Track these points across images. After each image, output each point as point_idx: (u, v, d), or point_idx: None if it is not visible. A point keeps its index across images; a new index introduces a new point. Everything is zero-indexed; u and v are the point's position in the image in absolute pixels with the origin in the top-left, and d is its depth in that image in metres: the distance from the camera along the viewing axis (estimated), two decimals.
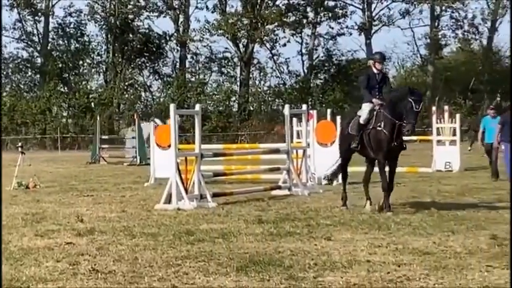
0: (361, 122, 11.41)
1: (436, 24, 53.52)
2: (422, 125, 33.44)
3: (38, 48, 53.59)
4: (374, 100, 11.35)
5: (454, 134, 20.69)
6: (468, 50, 54.16)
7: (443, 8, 52.29)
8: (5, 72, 51.39)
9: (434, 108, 23.34)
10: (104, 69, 55.32)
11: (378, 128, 11.19)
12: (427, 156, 22.41)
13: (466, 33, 53.73)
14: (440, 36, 53.73)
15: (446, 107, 23.34)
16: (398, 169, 12.07)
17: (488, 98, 49.66)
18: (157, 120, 31.75)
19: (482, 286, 6.05)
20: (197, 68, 56.03)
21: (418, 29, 54.72)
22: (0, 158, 18.92)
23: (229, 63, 55.78)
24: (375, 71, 11.64)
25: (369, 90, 11.53)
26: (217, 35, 53.63)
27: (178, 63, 55.30)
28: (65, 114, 52.77)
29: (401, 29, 54.51)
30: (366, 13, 54.69)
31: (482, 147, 18.26)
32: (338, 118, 17.29)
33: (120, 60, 53.59)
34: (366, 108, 11.44)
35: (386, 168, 11.25)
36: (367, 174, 12.01)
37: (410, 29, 54.51)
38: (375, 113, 11.31)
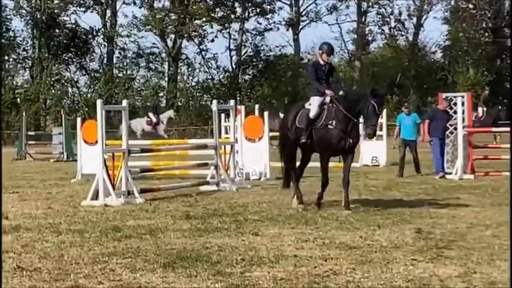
0: (311, 116, 10.86)
1: (363, 20, 54.93)
2: None
3: None
4: (327, 91, 10.85)
5: (381, 129, 21.00)
6: (394, 45, 55.65)
7: (370, 3, 53.68)
8: None
9: None
10: (30, 64, 54.30)
11: (330, 127, 10.72)
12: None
13: (392, 29, 55.30)
14: (367, 32, 55.23)
15: None
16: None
17: (414, 93, 51.42)
18: (151, 115, 31.62)
19: (407, 279, 6.19)
20: (125, 64, 55.78)
21: (345, 24, 55.99)
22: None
23: (157, 59, 55.85)
24: (322, 62, 11.19)
25: (318, 81, 11.10)
26: (145, 31, 53.64)
27: (105, 59, 54.85)
28: None
29: (329, 25, 55.59)
30: (294, 9, 55.78)
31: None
32: (265, 113, 17.58)
33: (46, 55, 52.63)
34: (315, 101, 10.90)
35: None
36: (300, 169, 11.78)
37: (337, 24, 55.57)
38: (325, 107, 10.83)
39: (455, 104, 17.03)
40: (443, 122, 16.79)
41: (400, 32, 55.49)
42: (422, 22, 54.58)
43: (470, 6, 49.37)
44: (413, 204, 11.49)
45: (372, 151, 21.21)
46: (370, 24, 55.65)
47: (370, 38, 56.21)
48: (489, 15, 49.62)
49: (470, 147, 16.95)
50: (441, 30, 54.21)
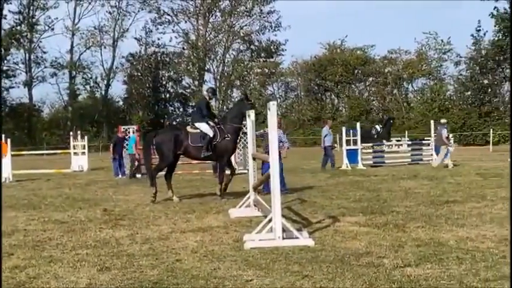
0: (211, 135, 14.21)
1: (73, 81, 71.40)
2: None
3: None
4: (210, 122, 14.37)
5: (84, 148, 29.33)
6: (93, 97, 73.43)
7: (78, 71, 70.48)
8: None
9: (71, 132, 32.39)
10: None
11: (227, 139, 14.29)
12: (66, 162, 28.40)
13: (91, 87, 72.68)
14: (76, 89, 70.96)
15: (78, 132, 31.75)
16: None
17: (106, 127, 66.78)
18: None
19: (95, 240, 9.13)
20: None
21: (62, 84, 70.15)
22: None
23: None
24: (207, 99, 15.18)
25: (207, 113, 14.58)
26: None
27: None
28: None
29: (51, 84, 67.50)
30: (28, 74, 68.54)
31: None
32: None
33: None
34: (205, 126, 14.29)
35: None
36: (171, 174, 14.89)
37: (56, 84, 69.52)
38: (216, 128, 14.34)
39: (128, 131, 25.03)
40: (121, 145, 23.87)
41: (97, 89, 72.81)
42: (110, 83, 72.04)
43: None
44: (104, 191, 15.73)
45: (79, 161, 28.66)
46: (78, 84, 71.20)
47: (77, 92, 71.80)
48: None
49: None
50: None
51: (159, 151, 14.50)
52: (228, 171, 14.98)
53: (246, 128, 13.69)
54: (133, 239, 9.18)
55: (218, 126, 14.46)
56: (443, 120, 26.04)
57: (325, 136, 24.59)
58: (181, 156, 14.98)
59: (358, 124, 26.71)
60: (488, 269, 6.59)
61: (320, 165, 24.41)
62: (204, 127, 14.34)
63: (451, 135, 29.30)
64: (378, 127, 38.03)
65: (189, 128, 14.61)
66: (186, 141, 14.35)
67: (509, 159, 25.59)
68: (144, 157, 15.21)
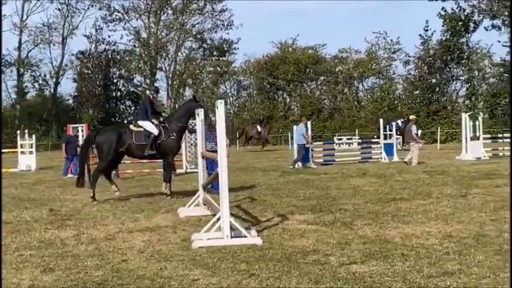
0: (156, 134, 14.06)
1: (21, 79, 67.76)
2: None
3: None
4: (154, 120, 14.24)
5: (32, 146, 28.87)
6: (43, 95, 70.30)
7: (26, 68, 66.83)
8: None
9: (18, 131, 31.10)
10: None
11: (172, 137, 14.18)
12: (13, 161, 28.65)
13: (40, 85, 69.69)
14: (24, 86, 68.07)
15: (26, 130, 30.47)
16: None
17: (55, 125, 64.10)
18: None
19: (39, 241, 8.96)
20: None
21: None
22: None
23: None
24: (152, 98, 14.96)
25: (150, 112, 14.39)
26: None
27: None
28: None
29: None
30: None
31: None
32: None
33: None
34: (149, 124, 14.19)
35: None
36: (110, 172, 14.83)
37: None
38: (161, 126, 14.18)
39: (79, 130, 25.87)
40: (74, 143, 23.47)
41: (46, 87, 70.02)
42: (60, 81, 69.46)
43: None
44: (50, 191, 15.42)
45: (27, 161, 28.36)
46: (26, 81, 68.40)
47: (26, 90, 69.11)
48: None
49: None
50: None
51: (100, 149, 14.24)
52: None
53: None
54: (79, 239, 9.09)
55: (163, 125, 14.36)
56: (412, 117, 26.39)
57: (301, 133, 24.74)
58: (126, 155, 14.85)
59: (309, 122, 26.83)
60: (432, 265, 6.69)
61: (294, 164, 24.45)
62: (147, 125, 14.22)
63: (420, 132, 29.35)
64: (399, 122, 37.83)
65: (132, 127, 14.48)
66: (130, 140, 14.19)
67: (483, 155, 26.15)
68: (80, 155, 14.87)
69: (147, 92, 15.58)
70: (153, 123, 14.24)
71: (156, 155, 14.48)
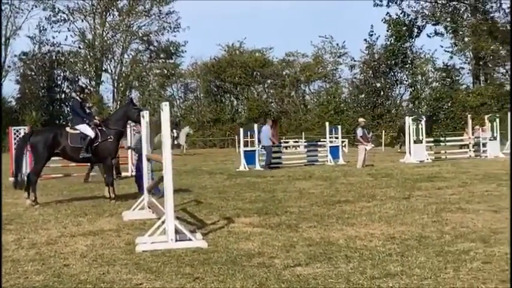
0: (92, 136, 13.71)
1: None
2: None
3: None
4: (90, 123, 13.92)
5: None
6: None
7: None
8: None
9: None
10: None
11: (110, 140, 13.87)
12: None
13: None
14: None
15: None
16: None
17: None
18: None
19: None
20: None
21: None
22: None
23: None
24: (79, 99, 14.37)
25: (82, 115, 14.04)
26: None
27: None
28: None
29: None
30: None
31: None
32: None
33: None
34: (85, 127, 13.82)
35: None
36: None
37: None
38: (97, 129, 13.83)
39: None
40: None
41: None
42: (2, 82, 66.51)
43: None
44: None
45: None
46: None
47: None
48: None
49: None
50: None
51: (35, 151, 13.95)
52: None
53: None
54: (19, 243, 8.90)
55: (99, 128, 14.15)
56: (360, 120, 26.68)
57: (265, 135, 24.80)
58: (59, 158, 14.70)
59: (255, 125, 26.87)
60: (375, 266, 6.77)
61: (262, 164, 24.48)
62: (83, 128, 13.99)
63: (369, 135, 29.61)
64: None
65: (68, 129, 14.21)
66: (65, 142, 13.93)
67: (427, 158, 26.59)
68: (15, 155, 14.52)
69: (73, 94, 15.29)
70: (89, 125, 13.99)
71: (91, 158, 14.27)
